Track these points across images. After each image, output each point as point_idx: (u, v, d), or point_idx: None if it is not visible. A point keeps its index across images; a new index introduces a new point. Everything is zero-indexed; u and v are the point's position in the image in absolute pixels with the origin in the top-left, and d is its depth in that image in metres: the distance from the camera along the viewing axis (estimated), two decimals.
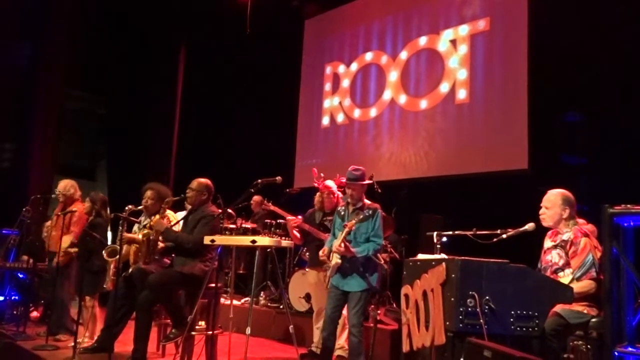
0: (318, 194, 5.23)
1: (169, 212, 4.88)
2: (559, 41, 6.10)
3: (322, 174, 5.40)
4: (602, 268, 3.22)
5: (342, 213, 4.38)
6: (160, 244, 4.66)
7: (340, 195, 5.21)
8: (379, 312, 5.15)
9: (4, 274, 6.52)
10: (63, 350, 4.99)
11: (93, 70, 10.08)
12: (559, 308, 3.33)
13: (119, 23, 9.89)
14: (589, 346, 3.44)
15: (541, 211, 3.75)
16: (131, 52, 10.02)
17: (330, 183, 5.13)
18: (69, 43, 9.33)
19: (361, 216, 4.14)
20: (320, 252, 4.33)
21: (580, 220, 3.73)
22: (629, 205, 2.41)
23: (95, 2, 9.50)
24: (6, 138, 8.92)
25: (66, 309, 5.62)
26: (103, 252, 4.87)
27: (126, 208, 4.81)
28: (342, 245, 4.02)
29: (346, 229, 4.03)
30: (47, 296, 6.22)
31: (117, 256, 4.68)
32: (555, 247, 3.67)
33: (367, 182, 4.33)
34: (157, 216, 4.75)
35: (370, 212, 4.21)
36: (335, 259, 4.15)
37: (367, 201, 4.33)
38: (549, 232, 3.81)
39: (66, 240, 5.36)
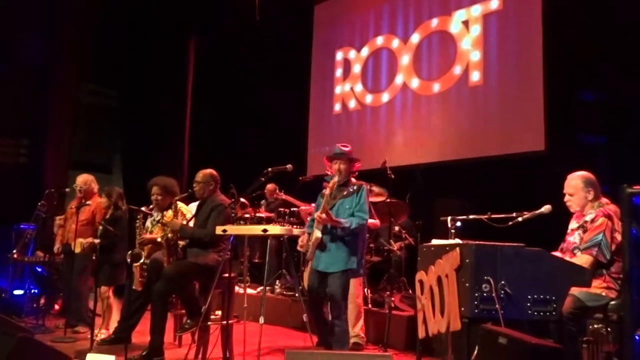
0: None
1: (181, 206, 4.89)
2: (574, 18, 5.94)
3: None
4: (622, 250, 3.15)
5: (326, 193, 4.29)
6: (181, 243, 4.68)
7: (354, 180, 5.17)
8: (393, 298, 5.12)
9: (23, 268, 6.61)
10: (81, 342, 5.06)
11: (105, 64, 10.10)
12: (575, 290, 3.26)
13: (129, 16, 9.89)
14: (609, 329, 3.38)
15: (566, 198, 3.69)
16: (142, 44, 10.01)
17: None
18: (81, 37, 9.34)
19: (345, 192, 4.10)
20: (299, 241, 4.22)
21: (605, 200, 3.65)
22: None
23: None
24: (22, 134, 8.99)
25: (84, 300, 5.68)
26: (127, 257, 4.92)
27: (140, 210, 4.88)
28: (325, 214, 3.92)
29: (327, 190, 3.98)
30: (65, 289, 6.30)
31: (142, 260, 4.73)
32: (578, 228, 3.62)
33: (355, 158, 4.33)
34: (170, 212, 4.77)
35: (355, 187, 4.18)
36: (316, 234, 4.03)
37: (353, 180, 4.29)
38: (575, 214, 3.74)
39: (88, 234, 5.48)
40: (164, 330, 4.44)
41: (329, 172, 5.16)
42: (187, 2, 9.90)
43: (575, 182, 3.65)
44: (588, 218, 3.57)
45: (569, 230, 3.73)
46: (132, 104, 10.49)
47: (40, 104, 9.02)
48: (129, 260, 4.89)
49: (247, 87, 9.95)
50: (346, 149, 4.27)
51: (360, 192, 4.15)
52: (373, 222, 5.03)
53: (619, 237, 3.44)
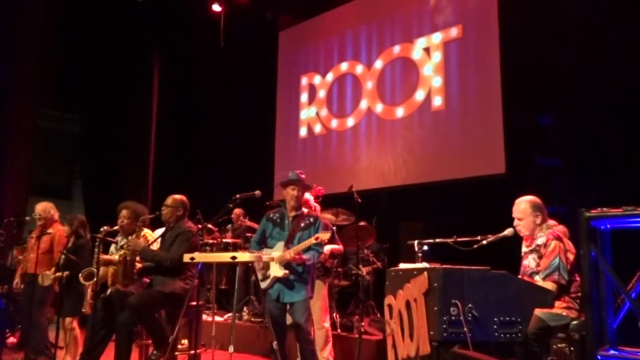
0: None
1: (146, 231, 4.81)
2: (530, 45, 6.19)
3: None
4: (579, 271, 3.26)
5: (278, 220, 4.37)
6: (138, 265, 4.58)
7: (318, 206, 5.20)
8: (363, 323, 5.13)
9: None
10: None
11: (66, 89, 9.94)
12: (538, 311, 3.34)
13: (90, 40, 9.78)
14: (572, 348, 3.47)
15: (515, 222, 3.78)
16: (103, 69, 9.89)
17: (307, 195, 5.12)
18: (40, 61, 9.18)
19: (302, 224, 4.23)
20: (258, 266, 4.27)
21: (552, 222, 3.77)
22: (604, 209, 2.43)
23: (66, 20, 9.37)
24: None
25: (43, 333, 5.48)
26: (79, 275, 4.77)
27: (102, 229, 4.72)
28: (295, 254, 4.08)
29: (315, 240, 4.06)
30: (24, 321, 6.06)
31: (94, 279, 4.59)
32: (531, 251, 3.71)
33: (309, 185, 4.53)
34: (134, 236, 4.67)
35: (312, 219, 4.31)
36: (282, 271, 4.14)
37: (304, 209, 4.42)
38: (525, 237, 3.85)
39: (48, 264, 5.30)
40: None
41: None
42: (151, 27, 9.86)
43: (524, 207, 3.75)
44: (540, 242, 3.66)
45: (522, 254, 3.83)
46: (94, 128, 10.31)
47: None
48: (81, 279, 4.74)
49: (213, 112, 9.94)
50: (303, 176, 4.38)
51: (317, 224, 4.30)
52: (337, 247, 5.05)
53: (570, 256, 3.56)
